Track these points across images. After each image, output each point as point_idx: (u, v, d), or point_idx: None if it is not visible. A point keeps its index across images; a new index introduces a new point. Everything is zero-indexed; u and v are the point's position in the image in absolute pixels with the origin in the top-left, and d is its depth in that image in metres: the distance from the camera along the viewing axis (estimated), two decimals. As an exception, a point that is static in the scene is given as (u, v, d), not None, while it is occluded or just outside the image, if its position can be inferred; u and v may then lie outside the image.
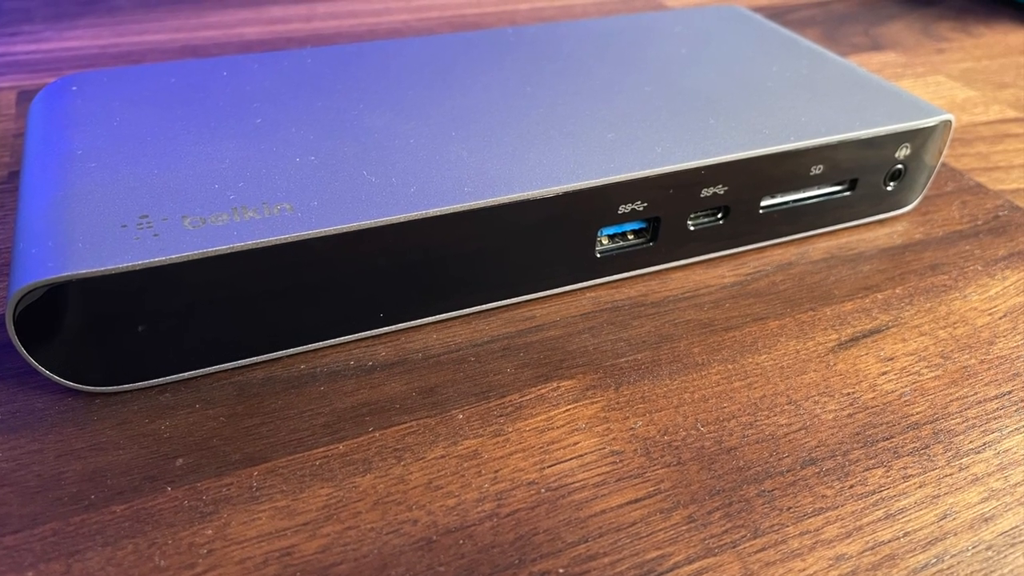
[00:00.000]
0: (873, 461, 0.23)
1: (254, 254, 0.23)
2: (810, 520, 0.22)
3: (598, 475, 0.23)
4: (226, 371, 0.25)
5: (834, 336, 0.28)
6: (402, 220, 0.24)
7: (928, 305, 0.29)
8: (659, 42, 0.36)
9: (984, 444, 0.24)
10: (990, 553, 0.21)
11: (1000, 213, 0.35)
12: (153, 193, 0.24)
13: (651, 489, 0.22)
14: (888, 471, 0.23)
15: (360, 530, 0.21)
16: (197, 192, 0.24)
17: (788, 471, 0.23)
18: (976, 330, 0.28)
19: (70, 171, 0.25)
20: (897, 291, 0.30)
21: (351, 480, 0.22)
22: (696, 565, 0.20)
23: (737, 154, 0.28)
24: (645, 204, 0.28)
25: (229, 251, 0.22)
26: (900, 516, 0.22)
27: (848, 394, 0.25)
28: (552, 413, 0.24)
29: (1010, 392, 0.26)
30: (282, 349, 0.25)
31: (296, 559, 0.20)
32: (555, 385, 0.25)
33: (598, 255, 0.28)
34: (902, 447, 0.24)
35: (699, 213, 0.29)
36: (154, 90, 0.30)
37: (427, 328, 0.27)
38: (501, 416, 0.24)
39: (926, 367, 0.27)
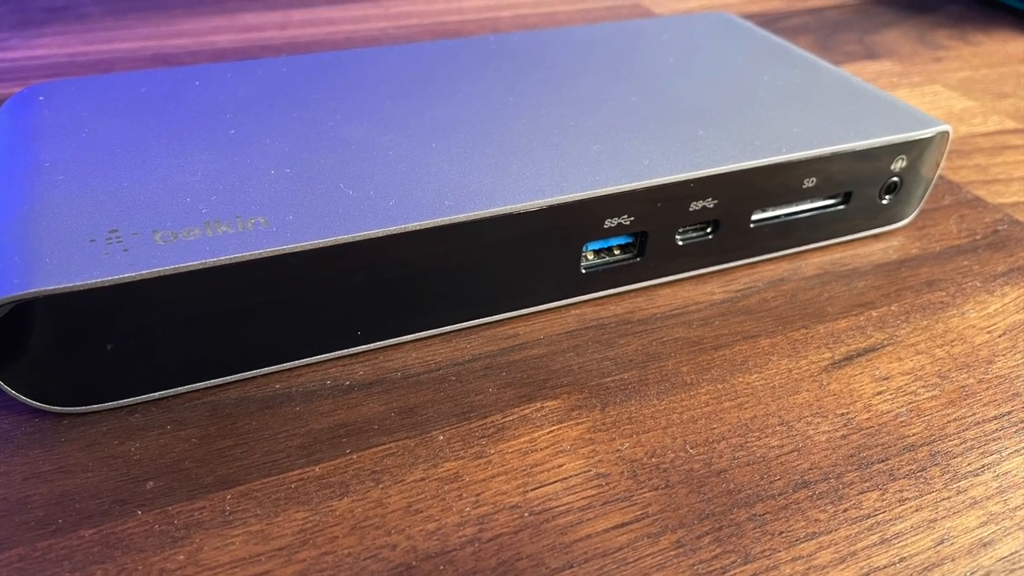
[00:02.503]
0: (868, 484, 0.23)
1: (227, 270, 0.23)
2: (803, 545, 0.21)
3: (583, 498, 0.22)
4: (198, 391, 0.25)
5: (827, 355, 0.27)
6: (380, 235, 0.24)
7: (925, 323, 0.29)
8: (646, 50, 0.36)
9: (983, 466, 0.24)
10: (989, 580, 0.21)
11: (999, 227, 0.34)
12: (123, 207, 0.24)
13: (638, 513, 0.22)
14: (883, 494, 0.23)
15: (337, 555, 0.21)
16: (168, 206, 0.24)
17: (780, 494, 0.23)
18: (974, 348, 0.28)
19: (37, 184, 0.25)
20: (893, 308, 0.29)
21: (328, 504, 0.22)
22: (684, 594, 0.20)
23: (727, 166, 0.28)
24: (632, 218, 0.27)
25: (201, 267, 0.22)
26: (896, 541, 0.22)
27: (842, 415, 0.25)
28: (536, 434, 0.24)
29: (1009, 412, 0.26)
30: (256, 368, 0.25)
31: (269, 587, 0.20)
32: (539, 405, 0.25)
33: (583, 271, 0.28)
34: (898, 469, 0.23)
35: (688, 227, 0.29)
36: (124, 100, 0.30)
37: (406, 346, 0.27)
38: (483, 437, 0.24)
39: (923, 387, 0.26)
